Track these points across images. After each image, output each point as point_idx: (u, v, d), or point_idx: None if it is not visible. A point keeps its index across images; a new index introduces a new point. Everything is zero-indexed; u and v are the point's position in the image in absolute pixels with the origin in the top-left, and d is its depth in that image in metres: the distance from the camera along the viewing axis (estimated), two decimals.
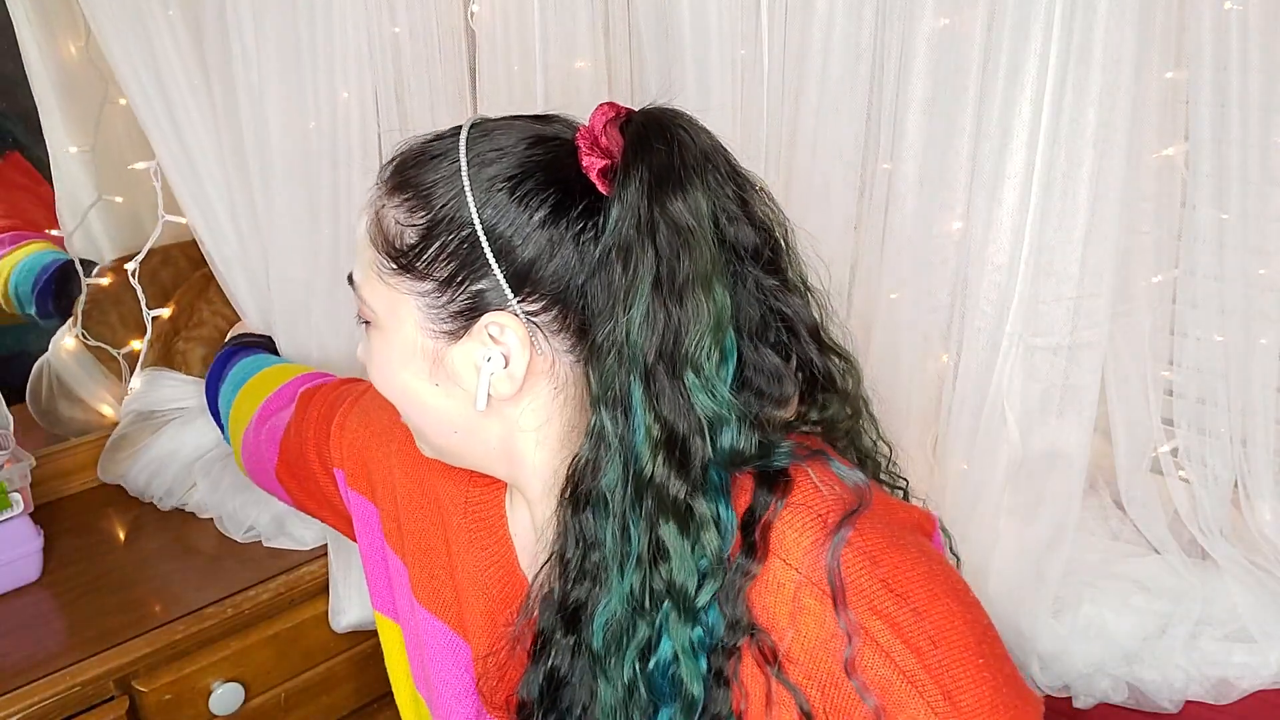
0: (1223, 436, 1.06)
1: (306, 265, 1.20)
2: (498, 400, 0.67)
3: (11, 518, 1.15)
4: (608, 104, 0.66)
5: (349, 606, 1.21)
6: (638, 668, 0.64)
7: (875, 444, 0.76)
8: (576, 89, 1.23)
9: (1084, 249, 0.97)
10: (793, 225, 0.69)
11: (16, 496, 1.17)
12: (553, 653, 0.68)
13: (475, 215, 0.64)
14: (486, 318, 0.65)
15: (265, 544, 1.25)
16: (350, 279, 0.72)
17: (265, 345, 1.24)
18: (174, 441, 1.33)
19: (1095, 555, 1.11)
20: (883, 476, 0.78)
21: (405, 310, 0.67)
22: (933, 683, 0.59)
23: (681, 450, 0.62)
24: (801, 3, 1.09)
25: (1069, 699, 1.07)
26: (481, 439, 0.70)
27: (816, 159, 1.09)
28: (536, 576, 0.70)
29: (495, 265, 0.64)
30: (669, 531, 0.62)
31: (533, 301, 0.64)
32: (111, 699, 1.06)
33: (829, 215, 1.09)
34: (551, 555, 0.68)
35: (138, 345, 1.38)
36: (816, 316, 0.70)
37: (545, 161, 0.65)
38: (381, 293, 0.68)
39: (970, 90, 0.99)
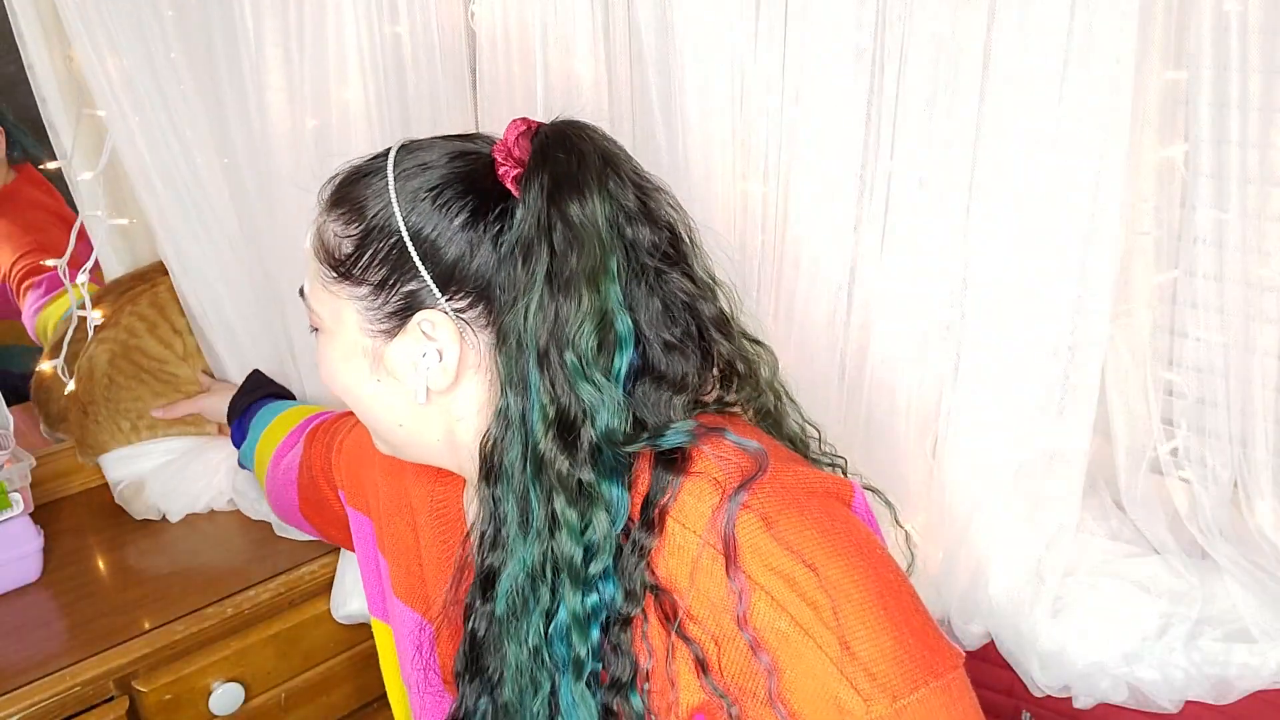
0: (1223, 436, 1.05)
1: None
2: (436, 393, 0.73)
3: (11, 518, 1.16)
4: (521, 119, 0.72)
5: (351, 597, 1.21)
6: (543, 631, 0.69)
7: (802, 427, 0.82)
8: (577, 89, 1.23)
9: (1084, 249, 0.97)
10: (696, 224, 0.76)
11: (16, 496, 1.17)
12: (473, 619, 0.74)
13: (401, 223, 0.70)
14: (419, 316, 0.71)
15: (277, 532, 1.27)
16: (301, 292, 0.78)
17: (282, 394, 1.30)
18: (177, 479, 1.34)
19: (1095, 555, 1.11)
20: (817, 455, 0.84)
21: (347, 314, 0.74)
22: (829, 632, 0.62)
23: (569, 429, 0.67)
24: (801, 3, 1.09)
25: (1069, 699, 1.07)
26: (425, 430, 0.76)
27: (816, 159, 1.09)
28: (462, 555, 0.77)
29: (422, 267, 0.70)
30: (560, 504, 0.67)
31: (459, 299, 0.71)
32: (111, 699, 1.06)
33: (829, 215, 1.09)
34: (471, 529, 0.76)
35: None
36: (725, 308, 0.76)
37: (465, 172, 0.72)
38: (325, 300, 0.75)
39: (970, 90, 0.99)
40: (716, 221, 1.22)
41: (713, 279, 0.76)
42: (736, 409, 0.78)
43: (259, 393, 1.27)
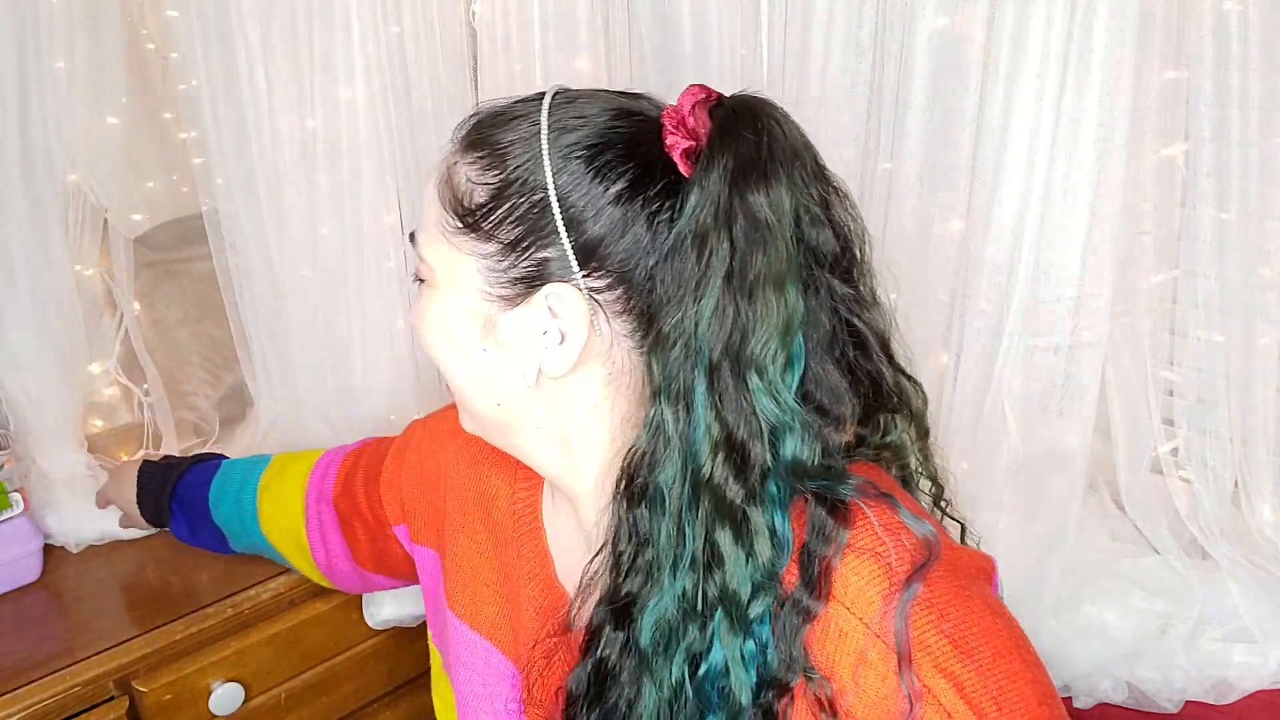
0: (1223, 436, 1.06)
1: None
2: (547, 377, 0.65)
3: (11, 518, 1.15)
4: (698, 85, 0.64)
5: (385, 601, 1.21)
6: (686, 672, 0.61)
7: (934, 476, 0.74)
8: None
9: (1084, 249, 0.97)
10: (870, 237, 0.67)
11: (16, 496, 1.17)
12: (602, 645, 0.65)
13: (550, 180, 0.62)
14: (548, 288, 0.63)
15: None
16: (412, 236, 0.70)
17: (189, 467, 1.13)
18: None
19: (1095, 555, 1.11)
20: (943, 507, 0.76)
21: (465, 271, 0.65)
22: None
23: (740, 454, 0.59)
24: (801, 3, 1.09)
25: (1069, 699, 1.07)
26: (524, 415, 0.68)
27: None
28: (586, 571, 0.68)
29: (564, 234, 0.62)
30: (724, 537, 0.60)
31: (598, 277, 0.62)
32: (111, 699, 1.06)
33: None
34: (603, 546, 0.66)
35: None
36: (887, 334, 0.67)
37: (627, 135, 0.63)
38: (442, 252, 0.66)
39: (970, 90, 0.99)
40: None
41: (874, 299, 0.67)
42: (883, 451, 0.70)
43: (172, 475, 1.11)
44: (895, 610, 0.58)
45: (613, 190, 0.62)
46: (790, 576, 0.61)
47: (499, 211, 0.63)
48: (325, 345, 1.27)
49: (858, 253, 0.65)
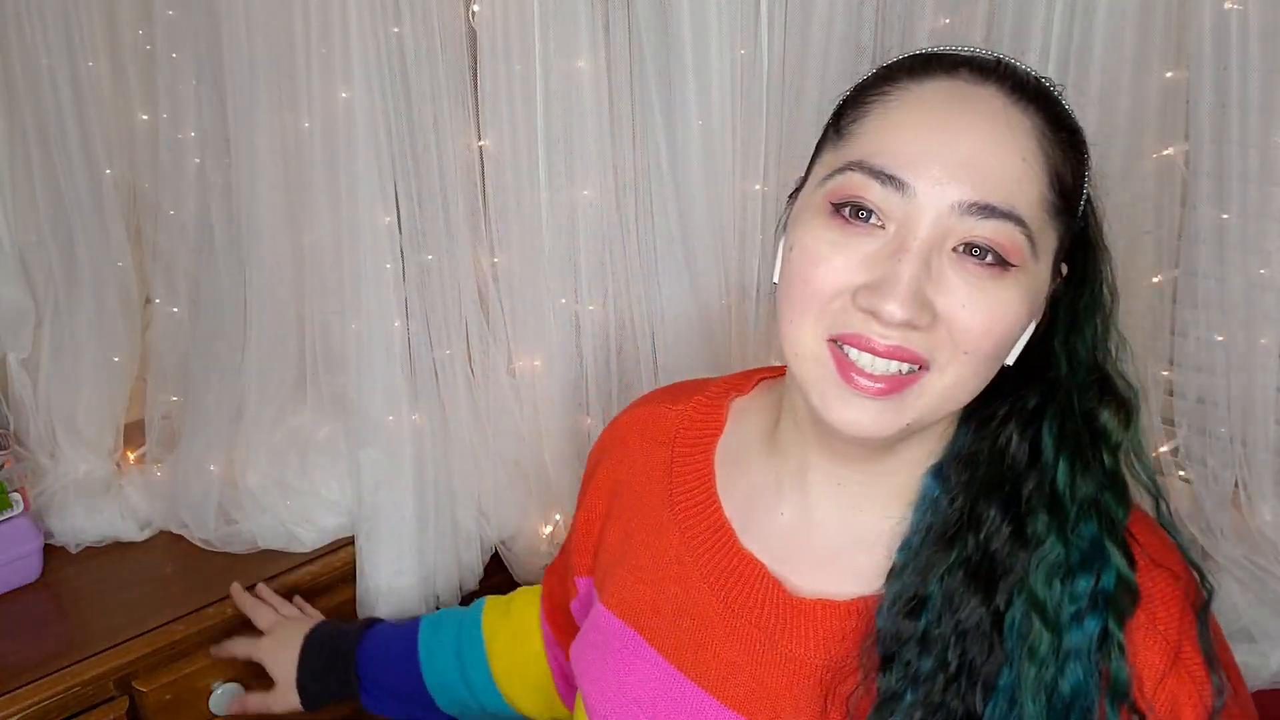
0: (1223, 436, 1.05)
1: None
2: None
3: (11, 518, 1.15)
4: None
5: (380, 601, 1.21)
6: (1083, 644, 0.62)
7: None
8: (577, 89, 1.23)
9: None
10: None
11: (16, 496, 1.17)
12: (954, 618, 0.63)
13: (1089, 170, 0.66)
14: (1060, 260, 0.66)
15: (263, 545, 1.25)
16: (1000, 212, 0.60)
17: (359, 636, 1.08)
18: None
19: None
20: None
21: (1054, 256, 0.65)
22: None
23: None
24: (801, 3, 1.09)
25: None
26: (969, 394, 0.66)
27: None
28: (898, 559, 0.67)
29: (1081, 212, 0.66)
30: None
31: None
32: (111, 699, 1.06)
33: None
34: (929, 529, 0.66)
35: None
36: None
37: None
38: (1048, 234, 0.63)
39: None
40: (717, 221, 1.22)
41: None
42: None
43: (347, 644, 1.05)
44: (1190, 610, 0.64)
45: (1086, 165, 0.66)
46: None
47: (1083, 194, 0.66)
48: (321, 347, 1.27)
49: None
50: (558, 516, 1.36)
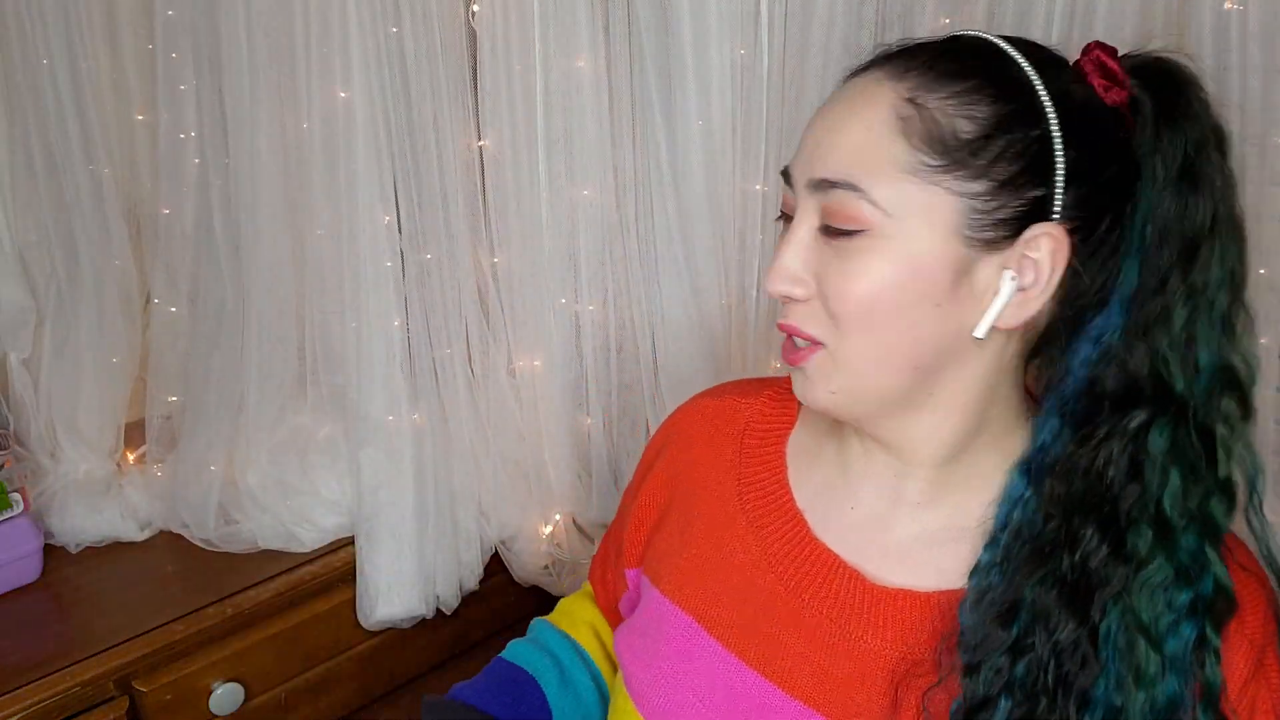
0: None
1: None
2: (997, 330, 0.63)
3: (11, 518, 1.15)
4: (1098, 44, 0.64)
5: (380, 601, 1.21)
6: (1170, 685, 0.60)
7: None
8: (577, 88, 1.23)
9: None
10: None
11: (16, 496, 1.17)
12: (1053, 625, 0.61)
13: (1052, 112, 0.60)
14: (1039, 228, 0.60)
15: (263, 545, 1.25)
16: (837, 184, 0.62)
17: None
18: None
19: None
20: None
21: (941, 213, 0.60)
22: None
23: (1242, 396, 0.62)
24: (801, 3, 1.09)
25: None
26: (950, 381, 0.65)
27: None
28: (977, 569, 0.65)
29: (1061, 171, 0.60)
30: (1219, 507, 0.61)
31: (1072, 219, 0.61)
32: (111, 699, 1.06)
33: None
34: (997, 535, 0.65)
35: None
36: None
37: (1089, 72, 0.63)
38: (909, 193, 0.61)
39: None
40: (717, 221, 1.22)
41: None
42: None
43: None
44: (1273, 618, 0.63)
45: (1100, 130, 0.61)
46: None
47: (994, 147, 0.60)
48: (321, 346, 1.27)
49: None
50: (557, 516, 1.36)
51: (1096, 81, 0.62)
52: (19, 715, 0.99)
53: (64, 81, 1.18)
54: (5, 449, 1.19)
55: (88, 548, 1.24)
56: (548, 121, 1.24)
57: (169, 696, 1.09)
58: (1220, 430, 0.61)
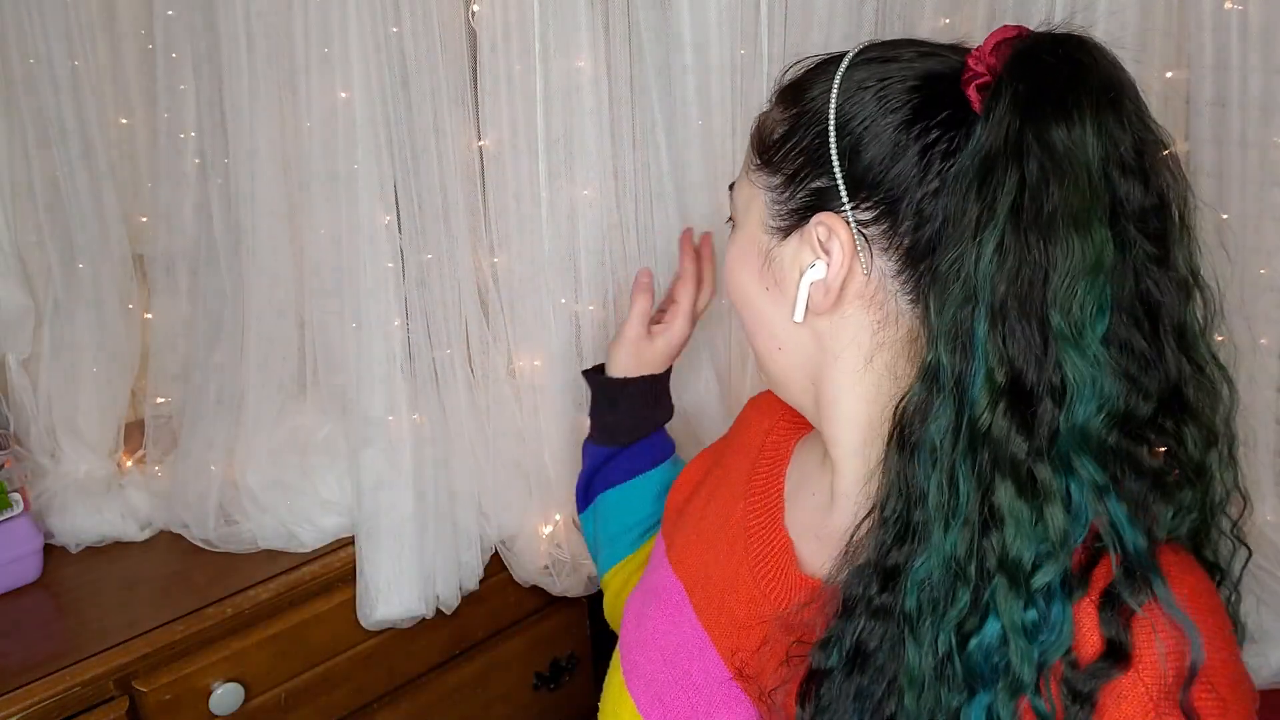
0: None
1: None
2: (812, 314, 0.67)
3: (11, 518, 1.15)
4: (1012, 25, 0.61)
5: (380, 601, 1.21)
6: (954, 641, 0.57)
7: (1225, 499, 0.68)
8: (577, 88, 1.23)
9: None
10: (1198, 204, 0.60)
11: (16, 496, 1.17)
12: (860, 613, 0.62)
13: (832, 110, 0.64)
14: (818, 217, 0.64)
15: (263, 545, 1.25)
16: (731, 186, 0.75)
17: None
18: None
19: None
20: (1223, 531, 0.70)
21: (755, 206, 0.70)
22: None
23: (1027, 404, 0.55)
24: (801, 3, 1.09)
25: None
26: (798, 361, 0.70)
27: None
28: (850, 535, 0.65)
29: (836, 162, 0.63)
30: (1005, 493, 0.55)
31: (865, 209, 0.63)
32: (111, 699, 1.06)
33: None
34: (871, 511, 0.64)
35: None
36: (1197, 318, 0.60)
37: (923, 71, 0.63)
38: (744, 190, 0.71)
39: None
40: (717, 221, 1.22)
41: (1194, 277, 0.60)
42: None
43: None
44: (1180, 695, 0.55)
45: (894, 118, 0.61)
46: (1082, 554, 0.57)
47: (787, 145, 0.67)
48: (321, 347, 1.27)
49: (1176, 219, 0.59)
50: (557, 516, 1.36)
51: (967, 71, 0.61)
52: (19, 715, 0.99)
53: (63, 81, 1.18)
54: (5, 449, 1.19)
55: (88, 548, 1.24)
56: (547, 121, 1.24)
57: (169, 696, 1.09)
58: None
